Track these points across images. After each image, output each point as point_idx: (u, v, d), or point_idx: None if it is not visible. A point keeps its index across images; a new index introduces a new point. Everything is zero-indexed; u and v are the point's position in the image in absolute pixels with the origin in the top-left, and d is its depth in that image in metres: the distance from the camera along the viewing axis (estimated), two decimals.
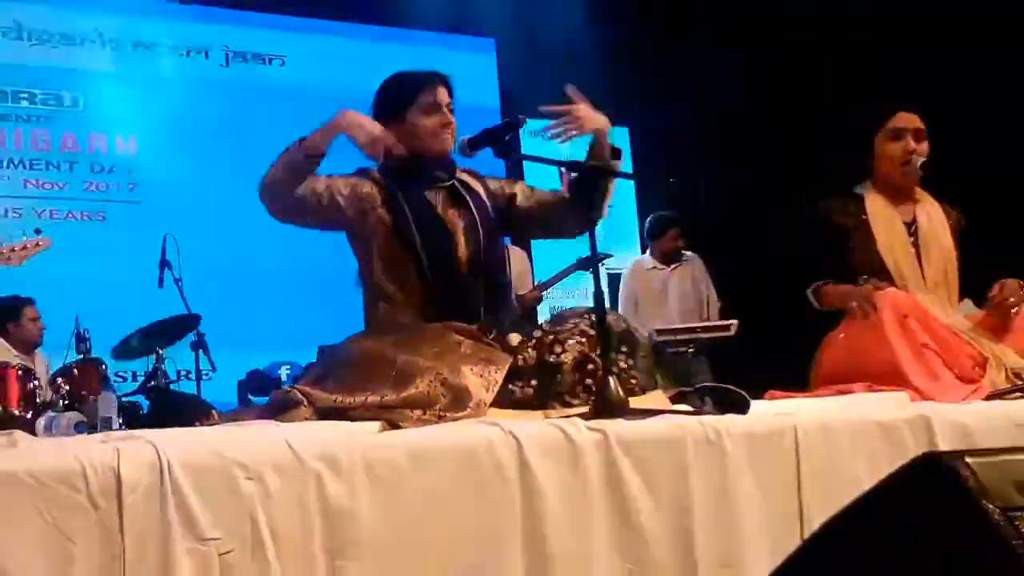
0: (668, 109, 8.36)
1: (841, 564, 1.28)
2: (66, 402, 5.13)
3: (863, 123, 3.67)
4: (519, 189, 3.19)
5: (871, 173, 3.65)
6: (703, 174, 8.14)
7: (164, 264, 5.92)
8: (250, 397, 6.40)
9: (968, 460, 1.17)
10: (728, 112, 8.04)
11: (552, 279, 6.01)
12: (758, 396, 2.94)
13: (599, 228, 2.87)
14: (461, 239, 2.96)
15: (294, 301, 7.07)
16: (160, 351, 5.68)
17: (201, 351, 5.94)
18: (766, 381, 3.36)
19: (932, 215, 3.62)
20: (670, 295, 7.07)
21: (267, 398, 6.71)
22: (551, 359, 2.71)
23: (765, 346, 5.59)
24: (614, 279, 8.42)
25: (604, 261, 6.64)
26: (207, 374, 6.08)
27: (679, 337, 6.31)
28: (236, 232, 7.12)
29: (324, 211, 2.92)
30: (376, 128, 2.85)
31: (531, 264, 6.51)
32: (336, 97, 7.70)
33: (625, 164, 3.09)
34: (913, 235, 3.55)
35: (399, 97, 3.01)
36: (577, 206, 3.06)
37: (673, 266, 7.13)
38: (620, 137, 8.97)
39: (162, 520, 1.79)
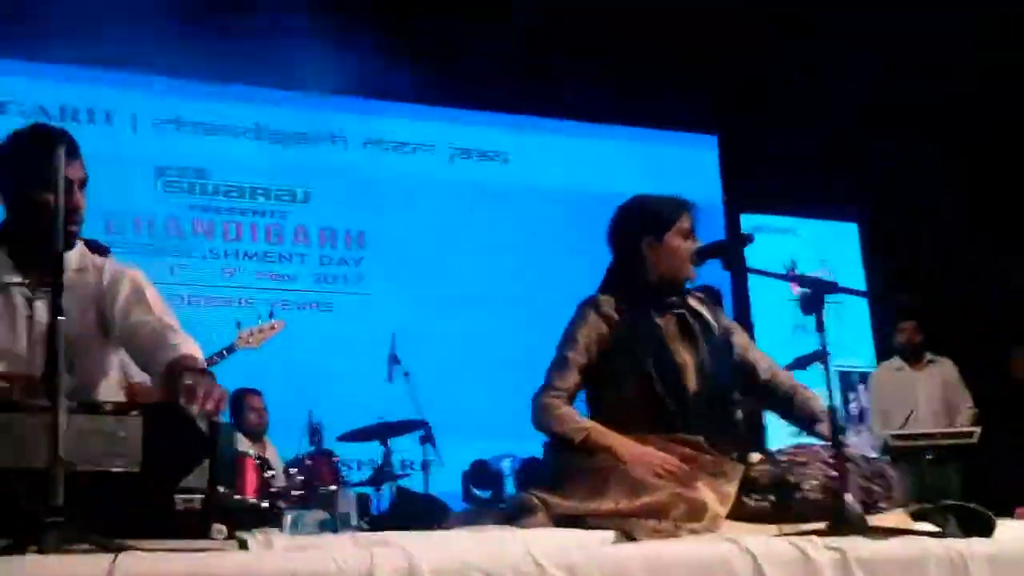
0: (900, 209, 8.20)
1: None
2: (299, 492, 5.34)
3: None
4: (756, 359, 3.17)
5: None
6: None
7: (392, 359, 6.09)
8: (473, 490, 6.47)
9: None
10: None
11: None
12: (1008, 511, 2.81)
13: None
14: (691, 375, 2.99)
15: (517, 391, 7.02)
16: (387, 444, 5.85)
17: (428, 444, 6.06)
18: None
19: None
20: (919, 397, 6.74)
21: (489, 492, 6.70)
22: (791, 479, 2.69)
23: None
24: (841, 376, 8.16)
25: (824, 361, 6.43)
26: (433, 464, 6.15)
27: (917, 443, 6.05)
28: (461, 321, 7.31)
29: None
30: (655, 458, 2.78)
31: None
32: (558, 195, 7.86)
33: (854, 267, 3.03)
34: None
35: (657, 219, 3.07)
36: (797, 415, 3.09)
37: (920, 366, 6.83)
38: (848, 233, 8.80)
39: None
